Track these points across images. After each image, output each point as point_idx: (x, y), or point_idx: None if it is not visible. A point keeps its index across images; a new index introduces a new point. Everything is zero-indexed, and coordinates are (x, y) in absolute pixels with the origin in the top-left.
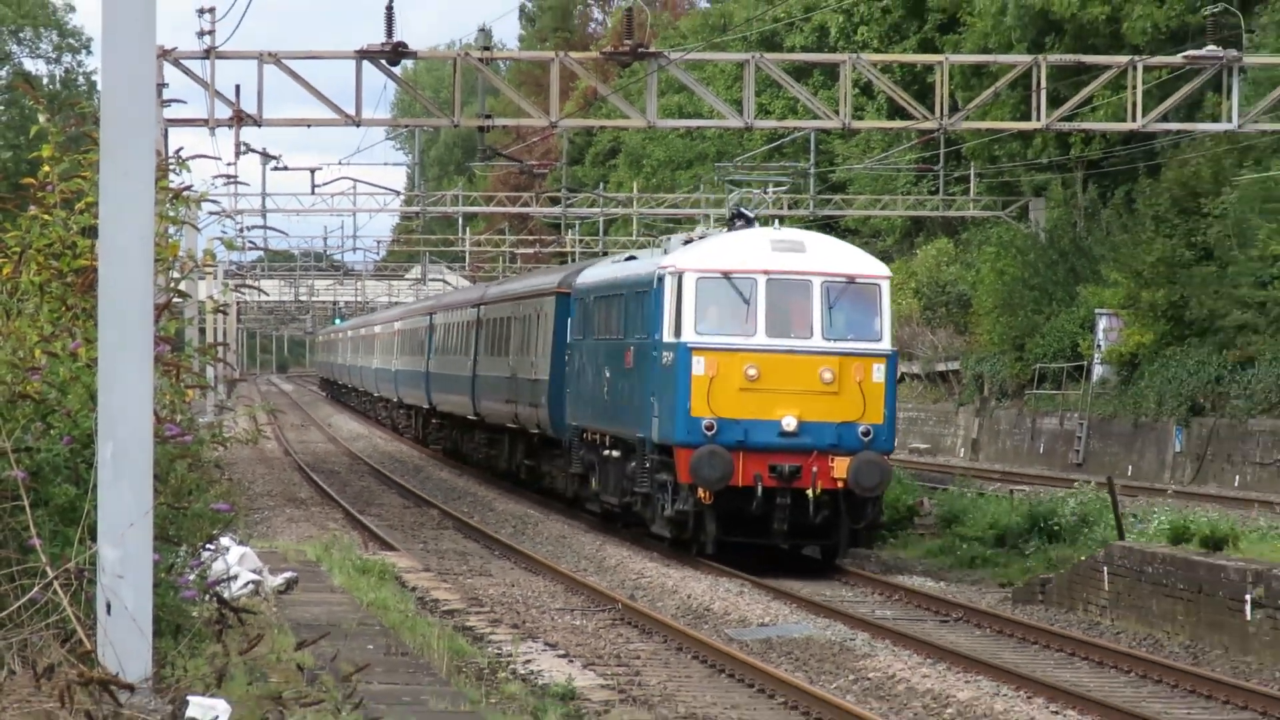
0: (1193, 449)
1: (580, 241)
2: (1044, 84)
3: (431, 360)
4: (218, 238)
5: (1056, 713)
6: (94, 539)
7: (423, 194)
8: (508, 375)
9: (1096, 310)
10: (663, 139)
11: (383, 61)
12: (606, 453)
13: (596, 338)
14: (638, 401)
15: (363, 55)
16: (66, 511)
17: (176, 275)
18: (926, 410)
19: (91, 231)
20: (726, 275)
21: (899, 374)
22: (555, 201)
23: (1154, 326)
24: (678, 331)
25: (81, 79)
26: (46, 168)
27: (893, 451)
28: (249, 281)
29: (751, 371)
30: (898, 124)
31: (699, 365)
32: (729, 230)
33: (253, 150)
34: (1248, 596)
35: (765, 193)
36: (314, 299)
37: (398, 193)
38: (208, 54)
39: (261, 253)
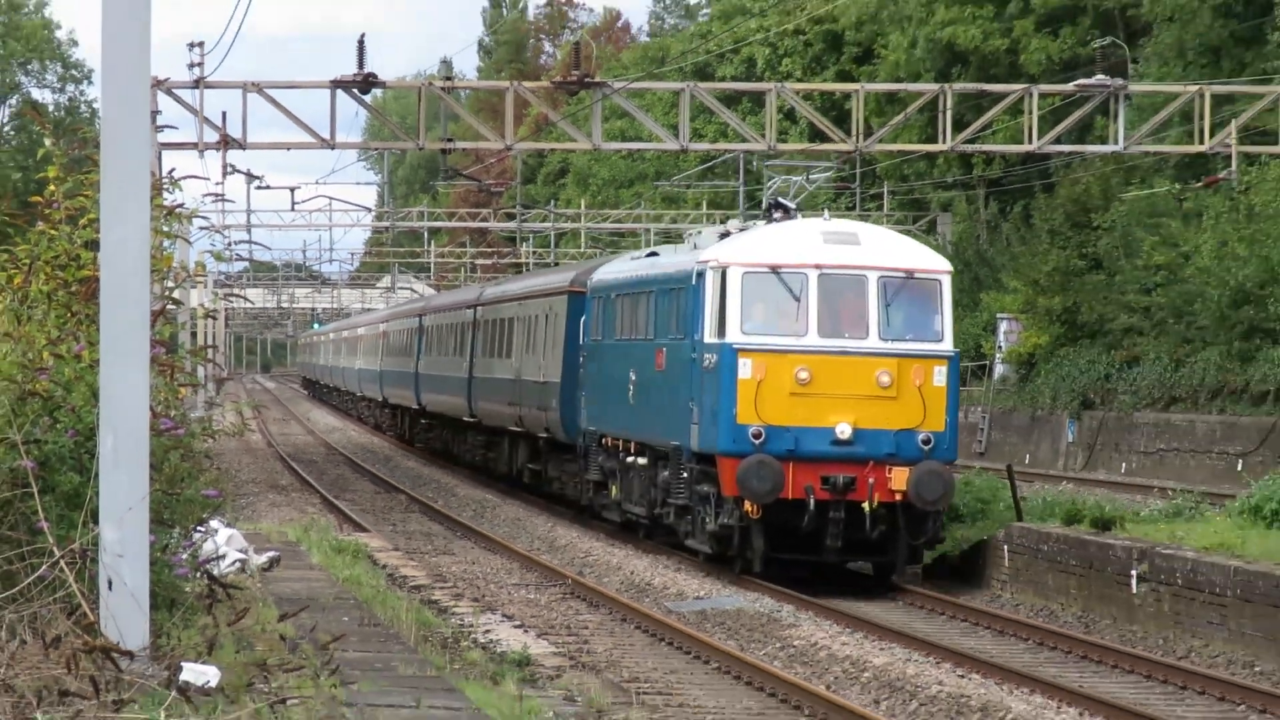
0: (1084, 439)
1: (534, 253)
2: (949, 110)
3: (421, 361)
4: (207, 250)
5: (963, 676)
6: (96, 522)
7: (391, 210)
8: (510, 377)
9: (998, 315)
10: (607, 160)
11: (355, 91)
12: (630, 460)
13: (619, 338)
14: (672, 407)
15: (337, 85)
16: (71, 497)
17: (170, 284)
18: None
19: (93, 245)
20: (775, 270)
21: None
22: (511, 217)
23: (1049, 329)
24: (721, 331)
25: (84, 107)
26: (52, 187)
27: (955, 461)
28: (235, 290)
29: (803, 375)
30: (818, 146)
31: (745, 368)
32: (767, 222)
33: (238, 171)
34: (1134, 572)
35: (807, 182)
36: (294, 305)
37: (369, 209)
38: (197, 84)
39: (247, 264)
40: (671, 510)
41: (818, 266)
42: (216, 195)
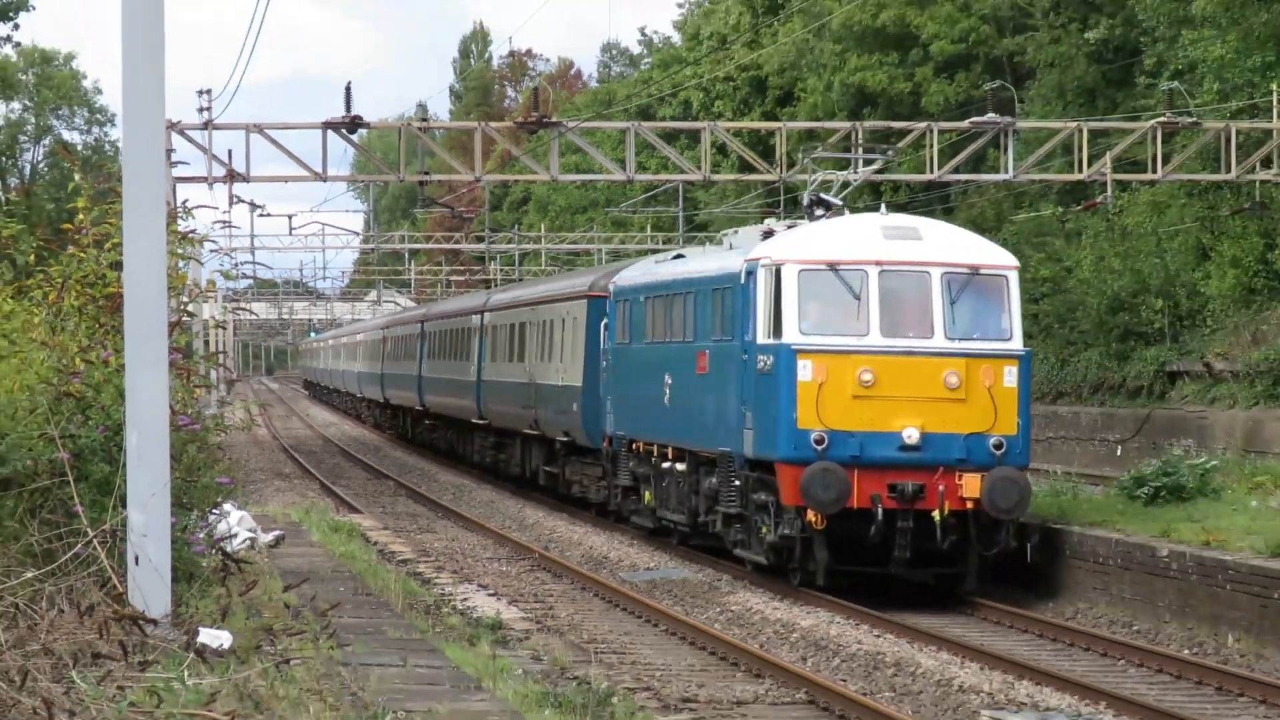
0: None
1: (500, 271)
2: (861, 144)
3: (425, 365)
4: (217, 270)
5: (879, 636)
6: (124, 506)
7: (376, 234)
8: (524, 381)
9: None
10: (563, 189)
11: (343, 130)
12: (666, 465)
13: (649, 341)
14: (719, 411)
15: (327, 126)
16: (102, 485)
17: (185, 299)
18: None
19: (118, 265)
20: (833, 267)
21: None
22: (480, 240)
23: None
24: (776, 331)
25: (108, 146)
26: (81, 216)
27: (1028, 466)
28: (242, 304)
29: (866, 376)
30: (747, 176)
31: (805, 370)
32: (810, 220)
33: (242, 201)
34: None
35: (852, 175)
36: (293, 317)
37: (357, 233)
38: (206, 126)
39: (251, 281)
40: (718, 519)
41: (878, 263)
42: (224, 222)
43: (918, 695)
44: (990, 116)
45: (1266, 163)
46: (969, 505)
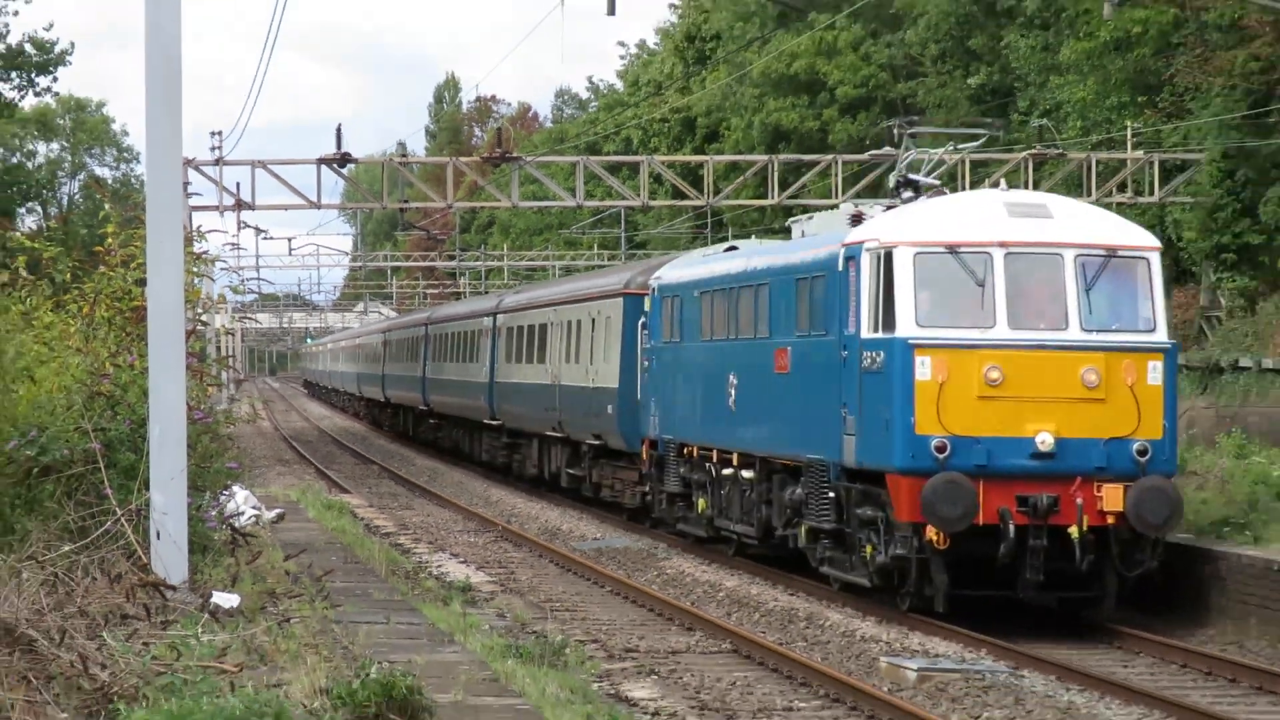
0: None
1: (469, 284)
2: (776, 174)
3: (429, 366)
4: (227, 285)
5: (792, 595)
6: (147, 489)
7: (363, 254)
8: (546, 382)
9: None
10: (522, 214)
11: (334, 165)
12: (727, 472)
13: (708, 339)
14: (805, 414)
15: (321, 161)
16: (129, 471)
17: (200, 311)
18: None
19: (142, 282)
20: (952, 249)
21: None
22: (452, 258)
23: None
24: (888, 324)
25: (134, 180)
26: (110, 240)
27: (1175, 474)
28: (248, 314)
29: (993, 374)
30: (679, 202)
31: (923, 368)
32: (902, 203)
33: (248, 226)
34: None
35: (949, 152)
36: (292, 325)
37: (346, 253)
38: (217, 162)
39: (256, 295)
40: (799, 533)
41: (1003, 244)
42: (233, 244)
43: (826, 644)
44: (886, 150)
45: (1122, 187)
46: (1109, 520)
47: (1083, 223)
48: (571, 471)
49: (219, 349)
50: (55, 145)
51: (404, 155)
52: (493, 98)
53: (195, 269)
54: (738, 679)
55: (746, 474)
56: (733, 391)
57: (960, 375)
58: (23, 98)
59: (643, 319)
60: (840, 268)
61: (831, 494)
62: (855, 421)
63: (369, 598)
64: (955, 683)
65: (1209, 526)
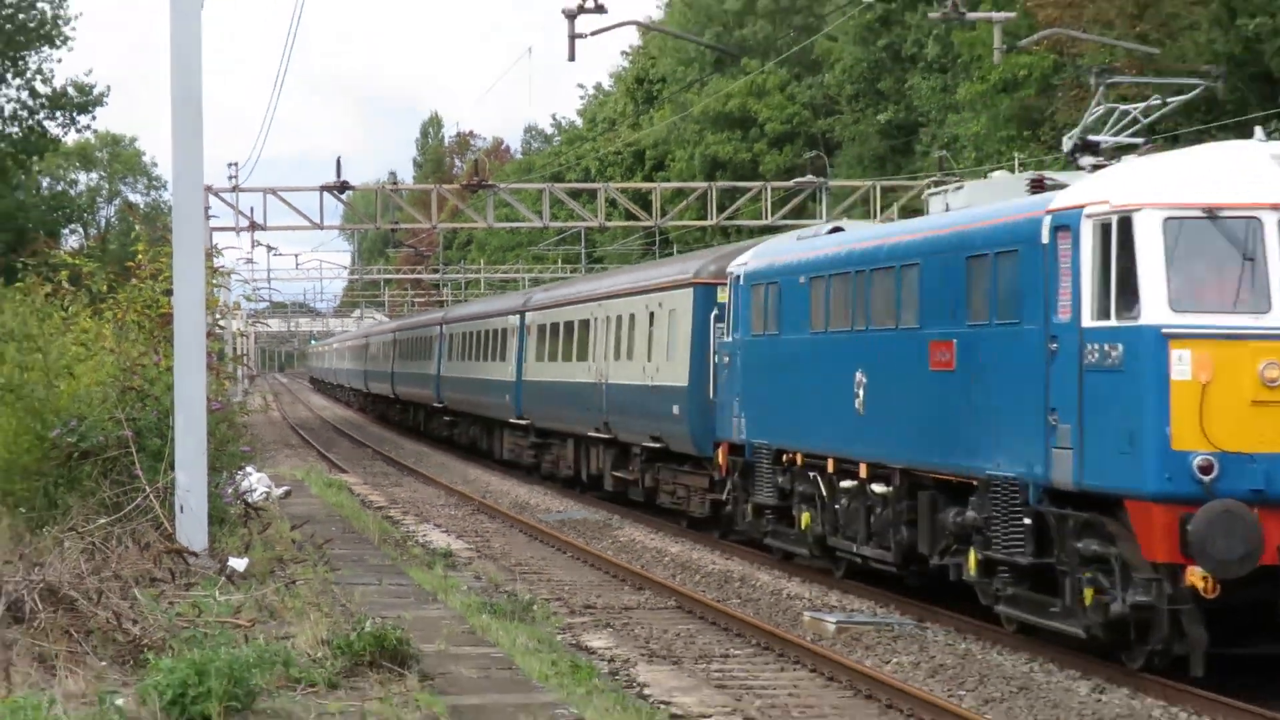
0: None
1: (452, 294)
2: (715, 199)
3: (444, 365)
4: (242, 295)
5: (728, 558)
6: (172, 469)
7: (360, 268)
8: (590, 381)
9: None
10: (497, 234)
11: (335, 191)
12: (850, 485)
13: (821, 330)
14: (979, 420)
15: (323, 188)
16: (156, 454)
17: (218, 316)
18: None
19: (168, 292)
20: (1211, 213)
21: None
22: (436, 271)
23: None
24: (1127, 309)
25: (162, 205)
26: (141, 256)
27: None
28: (260, 319)
29: (1272, 373)
30: (631, 224)
31: (1182, 364)
32: (1088, 171)
33: (261, 244)
34: None
35: (1142, 115)
36: (298, 329)
37: (345, 267)
38: (234, 189)
39: (267, 303)
40: (968, 563)
41: (1275, 206)
42: (247, 259)
43: (757, 601)
44: (809, 178)
45: None
46: None
47: None
48: (619, 474)
49: (234, 349)
50: (94, 175)
51: (394, 183)
52: (471, 133)
53: (214, 281)
54: (681, 631)
55: (878, 488)
56: (860, 391)
57: (1229, 374)
58: (66, 134)
59: (715, 311)
60: (1045, 239)
61: (1027, 520)
62: (1072, 432)
63: (364, 562)
64: (869, 633)
65: None
